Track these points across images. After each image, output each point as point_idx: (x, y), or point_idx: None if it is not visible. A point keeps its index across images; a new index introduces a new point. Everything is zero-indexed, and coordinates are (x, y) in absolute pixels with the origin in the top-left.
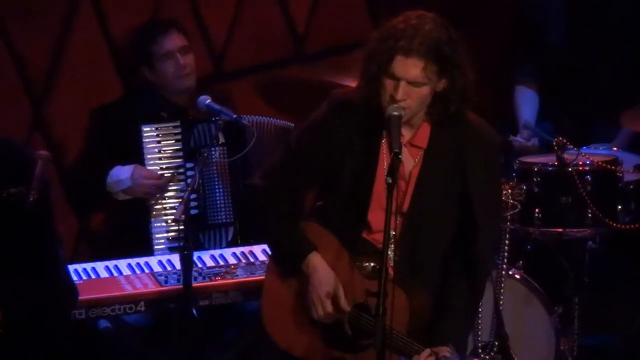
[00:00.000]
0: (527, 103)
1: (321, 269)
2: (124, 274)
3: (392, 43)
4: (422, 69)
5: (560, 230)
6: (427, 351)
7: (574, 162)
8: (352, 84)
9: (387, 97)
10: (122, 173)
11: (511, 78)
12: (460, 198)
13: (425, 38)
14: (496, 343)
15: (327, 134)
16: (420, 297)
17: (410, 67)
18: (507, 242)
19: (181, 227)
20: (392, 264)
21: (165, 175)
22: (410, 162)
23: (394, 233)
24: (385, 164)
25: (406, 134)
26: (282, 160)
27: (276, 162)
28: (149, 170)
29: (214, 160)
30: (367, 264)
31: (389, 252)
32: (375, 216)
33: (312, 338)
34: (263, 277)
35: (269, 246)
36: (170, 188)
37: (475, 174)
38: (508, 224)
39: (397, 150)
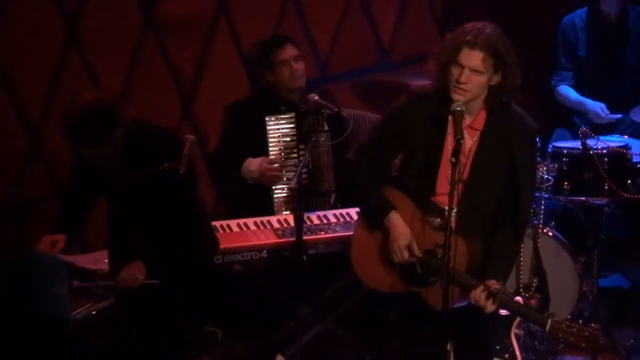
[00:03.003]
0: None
1: (399, 225)
2: (251, 229)
3: (461, 38)
4: (482, 59)
5: (583, 198)
6: (481, 287)
7: (595, 147)
8: None
9: (454, 81)
10: (252, 164)
11: (551, 83)
12: (507, 168)
13: (487, 36)
14: (535, 283)
15: (405, 119)
16: (476, 244)
17: (473, 57)
18: (542, 207)
19: (295, 193)
20: (454, 219)
21: (283, 155)
22: (469, 141)
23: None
24: (449, 144)
25: (467, 118)
26: (369, 138)
27: (365, 141)
28: (271, 159)
29: (320, 143)
30: (435, 220)
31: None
32: (441, 183)
33: (392, 277)
34: None
35: (359, 206)
36: (287, 164)
37: (520, 150)
38: (544, 193)
39: (459, 137)
